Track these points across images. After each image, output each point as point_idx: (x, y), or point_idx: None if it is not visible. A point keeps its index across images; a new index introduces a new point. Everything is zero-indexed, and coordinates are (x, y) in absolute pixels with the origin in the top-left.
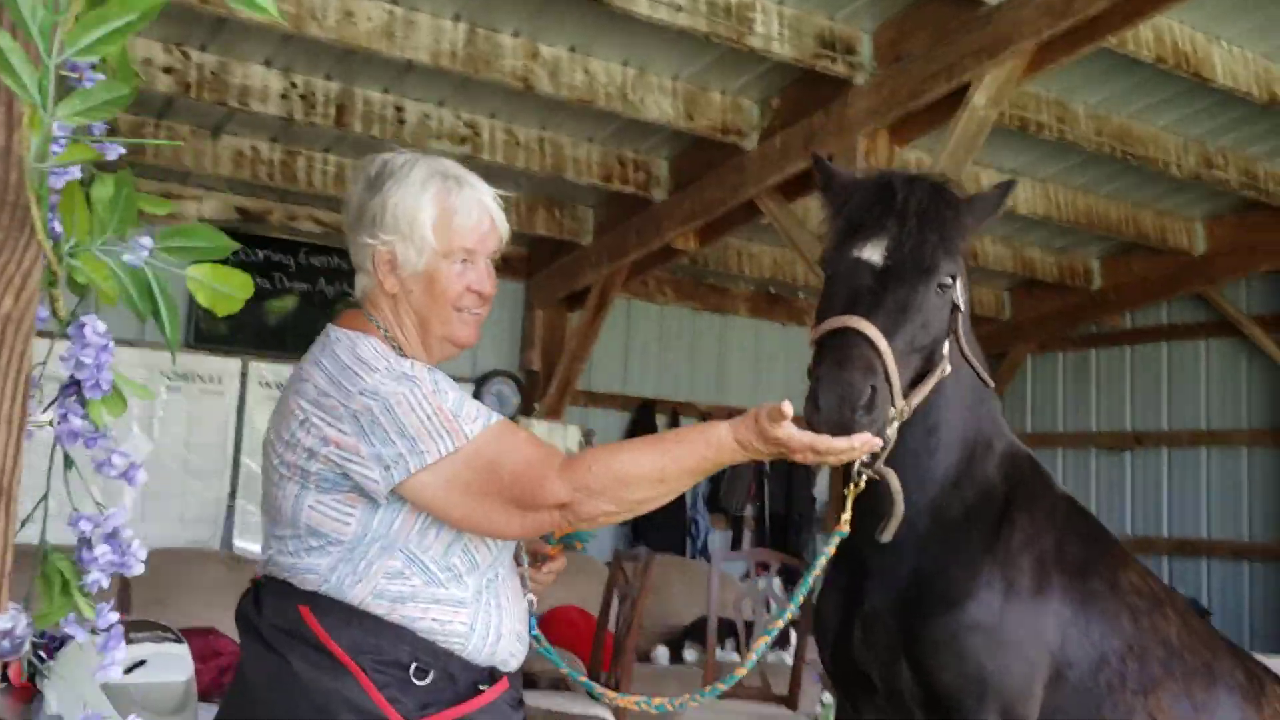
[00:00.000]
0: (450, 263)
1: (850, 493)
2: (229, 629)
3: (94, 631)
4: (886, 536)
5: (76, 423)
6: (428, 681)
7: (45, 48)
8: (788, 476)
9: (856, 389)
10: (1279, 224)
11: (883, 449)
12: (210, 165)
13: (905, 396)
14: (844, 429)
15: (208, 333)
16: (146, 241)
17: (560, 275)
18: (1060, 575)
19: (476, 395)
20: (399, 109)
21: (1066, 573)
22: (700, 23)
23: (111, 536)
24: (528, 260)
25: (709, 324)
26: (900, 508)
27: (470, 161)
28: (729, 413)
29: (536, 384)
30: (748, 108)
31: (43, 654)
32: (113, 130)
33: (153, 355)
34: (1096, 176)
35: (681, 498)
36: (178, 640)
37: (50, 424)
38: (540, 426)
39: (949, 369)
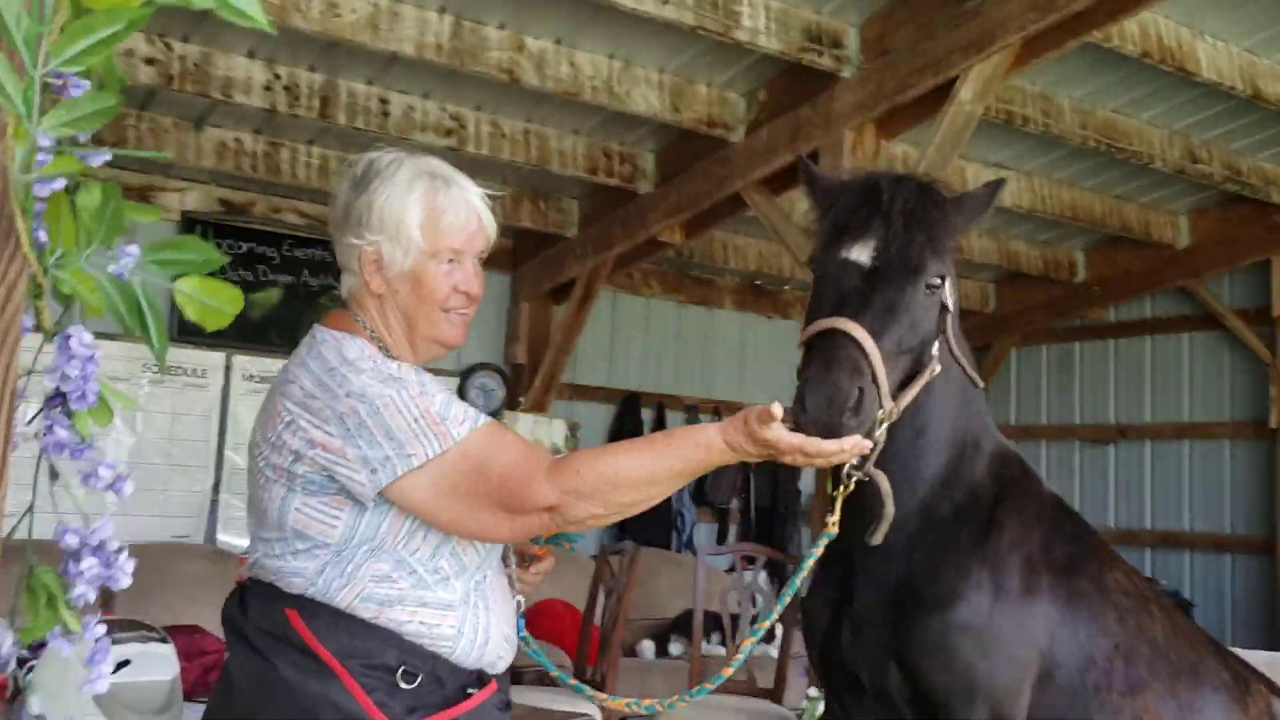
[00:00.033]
0: (437, 263)
1: (839, 494)
2: (213, 623)
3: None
4: (876, 539)
5: (63, 434)
6: (416, 685)
7: (30, 58)
8: (773, 471)
9: (843, 391)
10: (1262, 218)
11: (872, 450)
12: (193, 157)
13: (894, 397)
14: (831, 431)
15: (191, 325)
16: (133, 250)
17: (545, 268)
18: (1049, 576)
19: (461, 388)
20: (384, 101)
21: (1054, 573)
22: (687, 15)
23: (99, 549)
24: (512, 253)
25: (694, 317)
26: (890, 510)
27: (455, 154)
28: (714, 406)
29: (521, 377)
30: (734, 101)
31: (25, 653)
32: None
33: (135, 348)
34: (1081, 170)
35: None
36: (163, 640)
37: (35, 436)
38: (525, 420)
39: (938, 369)
